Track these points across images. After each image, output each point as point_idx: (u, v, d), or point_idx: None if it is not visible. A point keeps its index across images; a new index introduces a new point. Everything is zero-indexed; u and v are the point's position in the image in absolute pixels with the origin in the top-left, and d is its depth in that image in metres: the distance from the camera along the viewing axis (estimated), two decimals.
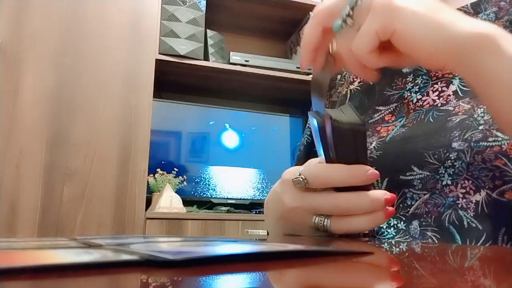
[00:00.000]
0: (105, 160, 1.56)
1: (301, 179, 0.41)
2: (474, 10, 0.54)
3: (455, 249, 0.28)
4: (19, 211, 1.45)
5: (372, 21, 0.33)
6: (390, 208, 0.40)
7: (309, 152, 0.68)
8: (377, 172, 0.38)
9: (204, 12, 1.79)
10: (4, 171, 1.45)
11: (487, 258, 0.24)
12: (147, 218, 1.55)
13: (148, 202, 1.64)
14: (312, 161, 0.45)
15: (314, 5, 2.03)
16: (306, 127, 0.72)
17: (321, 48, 0.40)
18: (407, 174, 0.46)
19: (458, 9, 0.56)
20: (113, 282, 0.15)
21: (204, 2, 1.80)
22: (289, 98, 2.12)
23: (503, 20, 0.51)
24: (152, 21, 1.70)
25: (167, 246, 0.24)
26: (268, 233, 0.62)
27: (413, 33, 0.33)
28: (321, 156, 0.43)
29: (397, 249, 0.29)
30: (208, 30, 1.86)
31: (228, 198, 1.87)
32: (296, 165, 0.72)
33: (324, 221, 0.42)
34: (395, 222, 0.47)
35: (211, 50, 1.85)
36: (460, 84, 0.50)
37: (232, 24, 2.09)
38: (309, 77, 1.88)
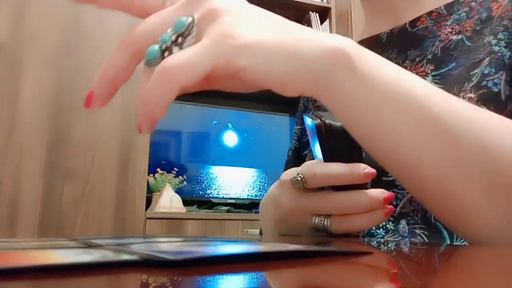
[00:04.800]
0: (105, 160, 1.56)
1: (299, 179, 0.41)
2: (447, 11, 0.55)
3: (455, 249, 0.28)
4: (19, 211, 1.45)
5: (210, 53, 0.25)
6: (389, 206, 0.41)
7: (298, 157, 0.69)
8: (373, 170, 0.39)
9: None
10: (4, 171, 1.45)
11: (485, 258, 0.24)
12: (147, 218, 1.55)
13: (148, 202, 1.64)
14: (308, 162, 0.45)
15: (314, 5, 2.00)
16: (294, 132, 0.72)
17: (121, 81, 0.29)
18: (389, 175, 0.46)
19: (432, 11, 0.57)
20: (113, 282, 0.15)
21: None
22: (289, 97, 2.12)
23: (474, 19, 0.52)
24: None
25: (167, 246, 0.25)
26: (260, 233, 0.62)
27: (261, 69, 0.26)
28: (316, 157, 0.43)
29: (397, 249, 0.29)
30: None
31: (228, 198, 1.87)
32: (285, 170, 0.72)
33: (324, 221, 0.42)
34: (384, 223, 0.48)
35: None
36: (433, 81, 0.51)
37: None
38: None
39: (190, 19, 0.26)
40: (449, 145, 0.29)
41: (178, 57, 0.25)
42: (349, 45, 0.29)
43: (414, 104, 0.29)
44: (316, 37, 0.28)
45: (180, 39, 0.25)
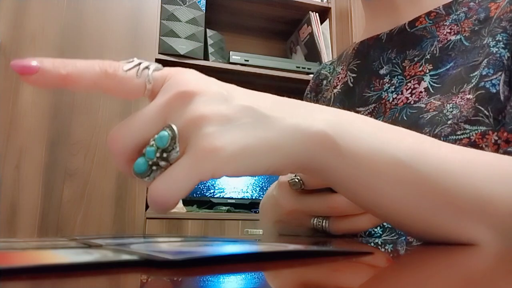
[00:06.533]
0: (105, 160, 1.56)
1: (297, 180, 0.41)
2: (446, 12, 0.56)
3: (455, 248, 0.28)
4: (19, 211, 1.45)
5: (195, 171, 0.25)
6: None
7: None
8: None
9: (204, 11, 1.79)
10: (4, 171, 1.45)
11: (485, 257, 0.24)
12: (147, 218, 1.55)
13: None
14: None
15: (314, 5, 2.00)
16: None
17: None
18: None
19: (430, 11, 0.57)
20: (113, 282, 0.15)
21: (204, 2, 1.80)
22: (288, 98, 2.12)
23: (472, 19, 0.53)
24: (152, 20, 1.70)
25: (167, 246, 0.25)
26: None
27: (246, 171, 0.27)
28: None
29: (397, 249, 0.29)
30: (208, 30, 1.86)
31: (228, 198, 1.87)
32: None
33: (322, 222, 0.42)
34: None
35: (211, 49, 1.85)
36: (431, 81, 0.51)
37: (232, 24, 2.09)
38: (309, 77, 1.88)
39: (171, 133, 0.26)
40: (445, 201, 0.29)
41: (165, 183, 0.26)
42: (331, 124, 0.29)
43: (402, 170, 0.29)
44: (297, 123, 0.28)
45: (165, 154, 0.26)
